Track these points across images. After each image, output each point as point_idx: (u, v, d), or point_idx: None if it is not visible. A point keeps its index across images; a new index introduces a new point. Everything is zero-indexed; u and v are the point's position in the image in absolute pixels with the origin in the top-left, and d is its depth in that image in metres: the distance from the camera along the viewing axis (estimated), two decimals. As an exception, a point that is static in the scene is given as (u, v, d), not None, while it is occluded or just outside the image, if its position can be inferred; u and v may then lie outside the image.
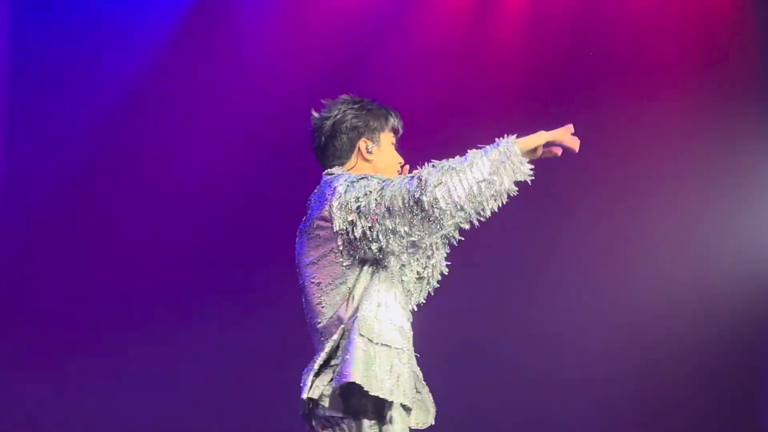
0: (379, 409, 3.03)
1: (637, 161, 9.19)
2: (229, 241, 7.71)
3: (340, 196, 3.05)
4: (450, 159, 3.00)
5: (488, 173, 2.94)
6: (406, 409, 3.10)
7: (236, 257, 7.62)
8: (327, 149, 3.32)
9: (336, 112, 3.31)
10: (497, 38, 9.52)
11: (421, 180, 2.92)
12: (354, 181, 3.07)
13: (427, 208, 2.92)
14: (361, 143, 3.31)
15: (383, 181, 3.04)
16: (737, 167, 9.13)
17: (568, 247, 9.41)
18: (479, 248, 7.67)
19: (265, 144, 8.27)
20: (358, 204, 3.01)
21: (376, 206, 2.98)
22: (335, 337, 3.07)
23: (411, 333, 3.22)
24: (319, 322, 3.15)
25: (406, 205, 2.94)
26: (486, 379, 8.35)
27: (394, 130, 3.39)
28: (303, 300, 3.24)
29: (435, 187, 2.90)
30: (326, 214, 3.09)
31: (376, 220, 2.98)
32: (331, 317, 3.13)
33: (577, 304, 8.80)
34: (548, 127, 3.19)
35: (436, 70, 8.64)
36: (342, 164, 3.30)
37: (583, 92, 8.99)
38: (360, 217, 3.01)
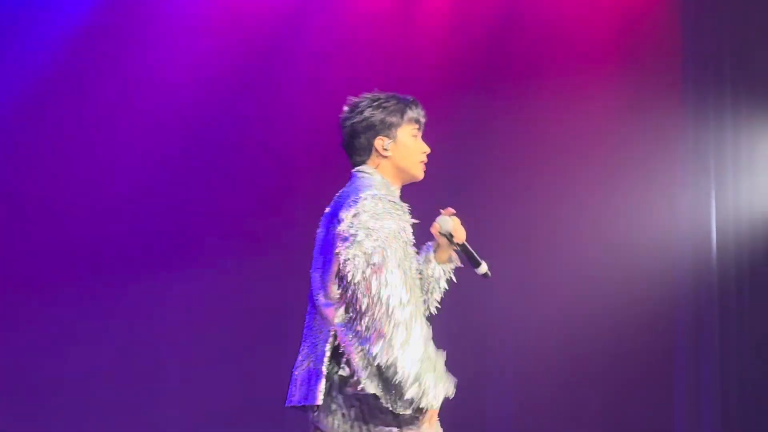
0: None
1: (556, 155, 9.51)
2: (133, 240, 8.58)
3: (359, 249, 3.20)
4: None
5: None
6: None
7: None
8: (350, 148, 3.59)
9: (355, 112, 3.53)
10: (418, 34, 9.64)
11: (400, 374, 3.10)
12: (365, 210, 3.27)
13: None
14: (377, 142, 3.52)
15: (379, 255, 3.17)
16: (651, 159, 9.48)
17: (482, 241, 9.37)
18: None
19: (174, 143, 8.62)
20: (369, 290, 3.15)
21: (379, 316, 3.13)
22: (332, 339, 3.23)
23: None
24: (337, 311, 3.27)
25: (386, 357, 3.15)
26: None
27: (414, 121, 3.55)
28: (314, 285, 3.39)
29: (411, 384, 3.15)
30: (341, 235, 3.28)
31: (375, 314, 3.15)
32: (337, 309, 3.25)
33: (493, 299, 9.34)
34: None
35: (357, 67, 8.96)
36: (365, 162, 3.54)
37: (501, 87, 9.42)
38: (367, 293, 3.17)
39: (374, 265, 3.15)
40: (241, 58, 9.31)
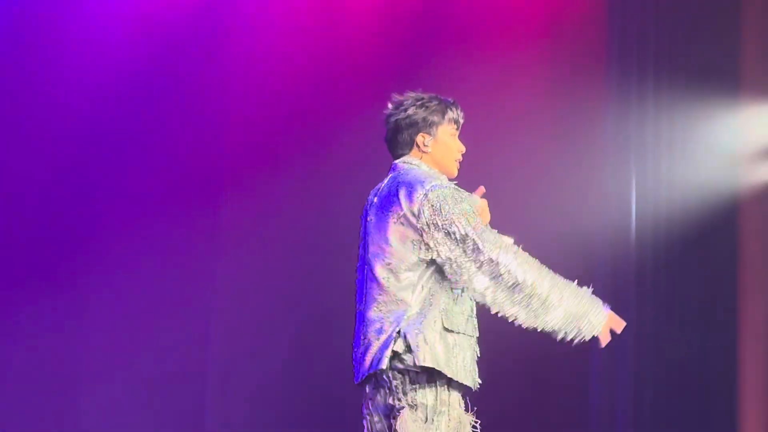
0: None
1: (478, 135, 9.49)
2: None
3: (437, 224, 3.55)
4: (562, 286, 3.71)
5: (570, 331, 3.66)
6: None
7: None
8: (393, 142, 3.91)
9: (400, 110, 3.86)
10: (346, 14, 9.68)
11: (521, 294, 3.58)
12: (443, 204, 3.58)
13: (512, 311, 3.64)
14: (419, 138, 3.83)
15: (492, 233, 3.65)
16: (573, 141, 9.64)
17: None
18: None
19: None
20: (480, 263, 3.53)
21: (487, 279, 3.55)
22: (417, 305, 3.58)
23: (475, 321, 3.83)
24: (399, 286, 3.60)
25: (509, 305, 3.60)
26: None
27: (454, 122, 3.87)
28: (366, 278, 3.75)
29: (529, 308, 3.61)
30: (415, 211, 3.59)
31: (478, 286, 3.56)
32: (413, 287, 3.60)
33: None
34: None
35: (281, 60, 9.42)
36: (406, 154, 3.85)
37: (428, 66, 9.54)
38: (476, 276, 3.54)
39: (475, 243, 3.60)
40: (156, 57, 9.51)
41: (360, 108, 9.52)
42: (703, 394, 9.29)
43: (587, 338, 3.72)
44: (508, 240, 3.71)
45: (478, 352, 3.87)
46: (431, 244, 3.59)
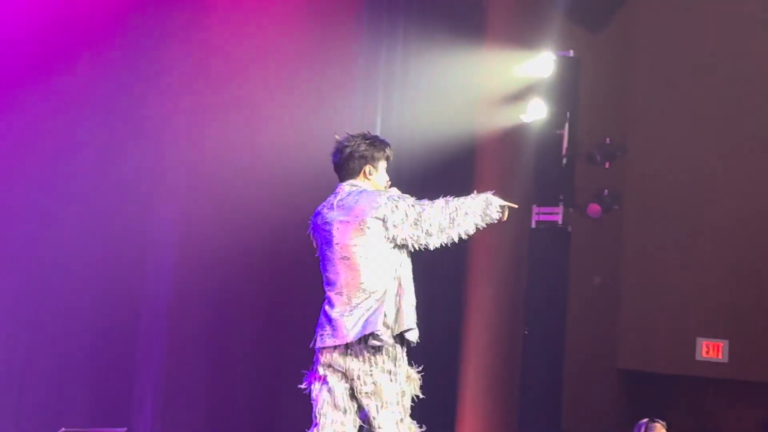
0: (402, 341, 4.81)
1: (231, 69, 9.70)
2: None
3: (394, 209, 4.68)
4: (460, 204, 4.78)
5: (477, 224, 4.80)
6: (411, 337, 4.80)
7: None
8: (344, 168, 4.90)
9: (353, 143, 4.86)
10: None
11: (442, 221, 4.71)
12: (395, 200, 4.72)
13: (449, 237, 4.76)
14: (366, 167, 4.87)
15: (419, 204, 4.74)
16: (326, 76, 9.86)
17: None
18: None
19: None
20: (416, 219, 4.68)
21: (423, 224, 4.70)
22: (378, 293, 4.69)
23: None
24: (362, 280, 4.70)
25: (438, 230, 4.71)
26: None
27: (387, 159, 4.94)
28: (336, 268, 4.79)
29: (451, 229, 4.74)
30: (382, 216, 4.67)
31: (417, 232, 4.70)
32: (374, 280, 4.69)
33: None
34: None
35: None
36: (354, 178, 4.87)
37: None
38: (415, 226, 4.68)
39: (420, 210, 4.74)
40: None
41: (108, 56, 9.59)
42: (439, 332, 9.90)
43: (496, 219, 4.82)
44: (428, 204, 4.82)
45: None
46: (393, 232, 4.71)
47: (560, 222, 10.83)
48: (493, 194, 4.81)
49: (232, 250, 9.67)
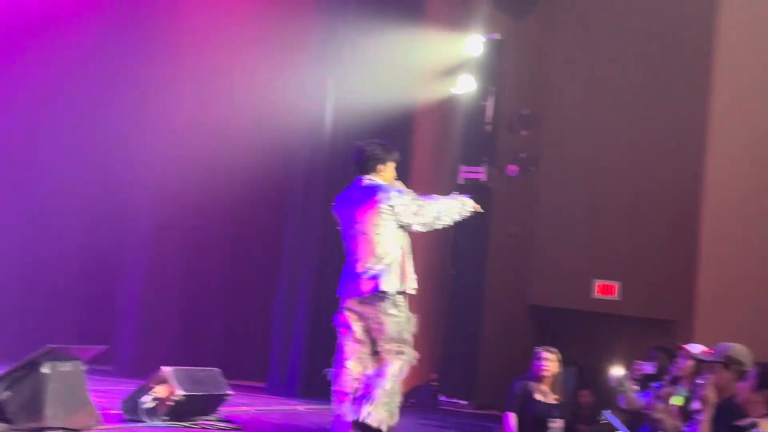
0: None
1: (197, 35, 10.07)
2: None
3: (401, 202, 5.88)
4: (445, 203, 6.04)
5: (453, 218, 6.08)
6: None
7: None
8: (363, 165, 6.04)
9: (371, 147, 6.05)
10: None
11: (433, 216, 5.97)
12: (402, 195, 5.91)
13: (433, 226, 6.05)
14: (379, 166, 6.03)
15: (418, 199, 5.96)
16: (280, 47, 10.08)
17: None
18: None
19: None
20: (416, 211, 5.90)
21: (421, 216, 5.92)
22: (387, 259, 5.88)
23: None
24: (376, 250, 5.86)
25: (429, 221, 5.95)
26: None
27: (395, 160, 6.10)
28: (357, 240, 5.92)
29: (437, 221, 6.02)
30: (392, 205, 5.86)
31: (417, 220, 5.91)
32: (384, 249, 5.87)
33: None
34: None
35: None
36: (370, 174, 6.00)
37: None
38: (415, 216, 5.89)
39: (419, 203, 5.97)
40: None
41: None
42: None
43: (467, 215, 6.07)
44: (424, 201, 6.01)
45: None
46: (399, 217, 5.89)
47: (483, 179, 11.29)
48: (469, 197, 6.11)
49: (205, 200, 10.19)
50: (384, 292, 5.82)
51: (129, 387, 6.94)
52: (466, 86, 11.47)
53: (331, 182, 10.19)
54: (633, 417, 7.33)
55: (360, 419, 5.80)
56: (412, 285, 5.94)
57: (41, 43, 9.89)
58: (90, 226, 10.32)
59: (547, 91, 11.99)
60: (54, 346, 5.46)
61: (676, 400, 5.92)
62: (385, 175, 5.99)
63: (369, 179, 5.98)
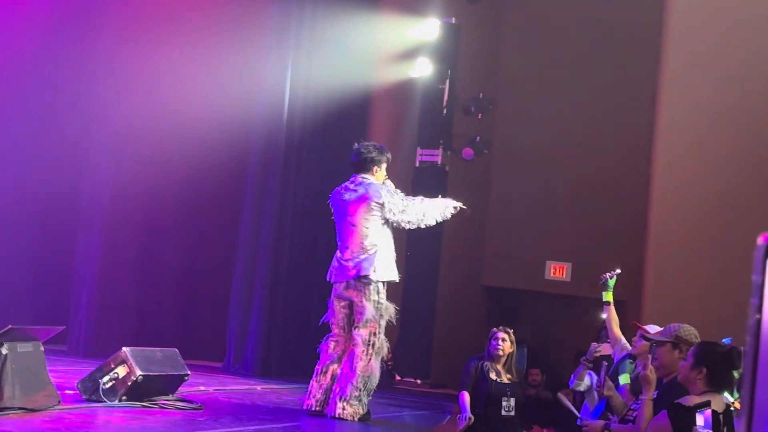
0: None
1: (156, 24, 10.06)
2: None
3: (391, 200, 6.52)
4: (430, 204, 6.66)
5: (436, 218, 6.69)
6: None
7: None
8: (359, 165, 6.67)
9: (368, 149, 6.68)
10: None
11: (418, 215, 6.61)
12: (392, 194, 6.56)
13: (419, 224, 6.68)
14: (374, 167, 6.66)
15: (405, 199, 6.60)
16: (240, 34, 10.13)
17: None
18: None
19: None
20: (402, 209, 6.52)
21: (407, 214, 6.54)
22: (372, 250, 6.53)
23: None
24: (363, 241, 6.51)
25: (414, 220, 6.58)
26: None
27: (387, 161, 6.72)
28: (348, 231, 6.60)
29: (422, 220, 6.64)
30: (382, 202, 6.51)
31: (403, 218, 6.53)
32: (370, 241, 6.52)
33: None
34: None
35: None
36: (364, 173, 6.64)
37: None
38: (402, 213, 6.52)
39: (406, 203, 6.60)
40: None
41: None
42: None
43: (449, 216, 6.66)
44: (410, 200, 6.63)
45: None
46: (387, 214, 6.52)
47: (439, 162, 11.46)
48: (451, 199, 6.71)
49: (162, 184, 10.20)
50: (367, 277, 6.44)
51: (84, 367, 6.94)
52: (422, 70, 11.53)
53: (288, 168, 10.34)
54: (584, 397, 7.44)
55: (335, 415, 6.40)
56: (393, 276, 6.56)
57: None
58: (44, 208, 10.27)
59: (501, 75, 12.12)
60: (13, 326, 5.40)
61: (623, 379, 6.02)
62: (378, 175, 6.62)
63: (363, 177, 6.61)
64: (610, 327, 6.72)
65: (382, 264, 6.50)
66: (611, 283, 6.81)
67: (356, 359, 6.50)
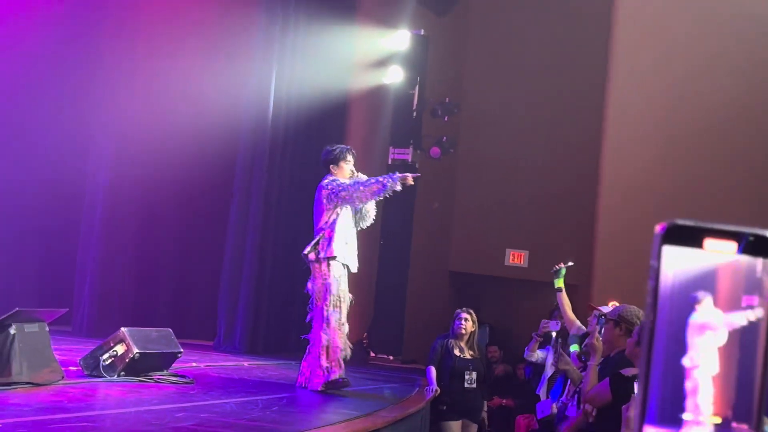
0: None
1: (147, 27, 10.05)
2: None
3: (332, 187, 6.57)
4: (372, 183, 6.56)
5: (381, 197, 6.60)
6: (345, 266, 6.61)
7: None
8: (324, 165, 6.75)
9: (324, 152, 6.78)
10: None
11: (354, 195, 6.53)
12: (341, 184, 6.54)
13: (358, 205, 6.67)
14: (330, 166, 6.72)
15: (352, 186, 6.55)
16: (229, 39, 10.13)
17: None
18: None
19: None
20: (350, 194, 6.52)
21: (345, 197, 6.53)
22: (320, 233, 6.54)
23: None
24: (320, 225, 6.56)
25: (354, 196, 6.52)
26: None
27: (346, 160, 6.72)
28: (314, 215, 6.66)
29: (359, 199, 6.57)
30: (327, 190, 6.58)
31: (343, 195, 6.52)
32: (319, 225, 6.59)
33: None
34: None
35: None
36: (330, 170, 6.71)
37: None
38: (350, 200, 6.54)
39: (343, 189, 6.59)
40: None
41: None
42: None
43: (399, 189, 6.50)
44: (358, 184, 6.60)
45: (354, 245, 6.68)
46: (339, 201, 6.54)
47: (410, 160, 11.45)
48: (398, 174, 6.60)
49: (158, 178, 10.14)
50: (306, 255, 6.47)
51: (87, 346, 6.90)
52: (394, 77, 11.55)
53: (273, 162, 10.34)
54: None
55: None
56: (337, 254, 6.41)
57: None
58: (50, 200, 10.16)
59: (466, 81, 12.10)
60: (20, 309, 5.40)
61: (573, 347, 6.09)
62: (339, 172, 6.64)
63: (329, 172, 6.70)
64: (564, 311, 6.64)
65: (326, 244, 6.44)
66: (562, 272, 6.77)
67: (312, 344, 6.43)
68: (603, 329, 5.01)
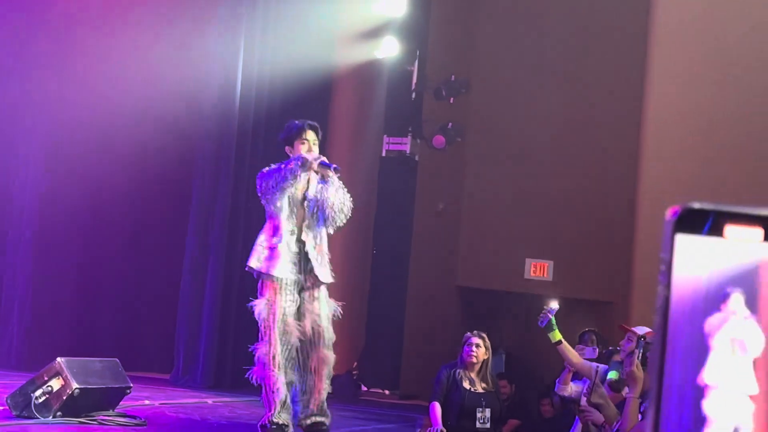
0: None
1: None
2: None
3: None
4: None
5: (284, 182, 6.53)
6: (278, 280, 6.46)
7: None
8: (284, 145, 6.81)
9: (286, 126, 6.77)
10: None
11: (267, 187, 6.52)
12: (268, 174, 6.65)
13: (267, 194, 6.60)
14: (287, 149, 6.66)
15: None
16: (190, 15, 10.23)
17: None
18: None
19: None
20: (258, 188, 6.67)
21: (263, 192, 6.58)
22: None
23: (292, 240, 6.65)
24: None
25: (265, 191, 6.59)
26: None
27: (301, 138, 6.58)
28: None
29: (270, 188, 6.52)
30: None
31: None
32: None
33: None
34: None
35: None
36: (287, 151, 6.73)
37: None
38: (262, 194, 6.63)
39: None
40: None
41: None
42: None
43: (307, 169, 6.42)
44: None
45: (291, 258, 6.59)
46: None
47: (408, 151, 11.53)
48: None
49: (103, 179, 10.21)
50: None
51: (15, 381, 6.90)
52: (389, 49, 11.50)
53: (241, 158, 10.36)
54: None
55: None
56: (253, 264, 6.40)
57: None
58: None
59: (476, 55, 12.07)
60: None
61: (612, 375, 6.14)
62: (293, 152, 6.55)
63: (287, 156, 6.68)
64: (571, 362, 6.79)
65: (254, 254, 6.46)
66: (553, 321, 6.89)
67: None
68: (642, 355, 5.03)
